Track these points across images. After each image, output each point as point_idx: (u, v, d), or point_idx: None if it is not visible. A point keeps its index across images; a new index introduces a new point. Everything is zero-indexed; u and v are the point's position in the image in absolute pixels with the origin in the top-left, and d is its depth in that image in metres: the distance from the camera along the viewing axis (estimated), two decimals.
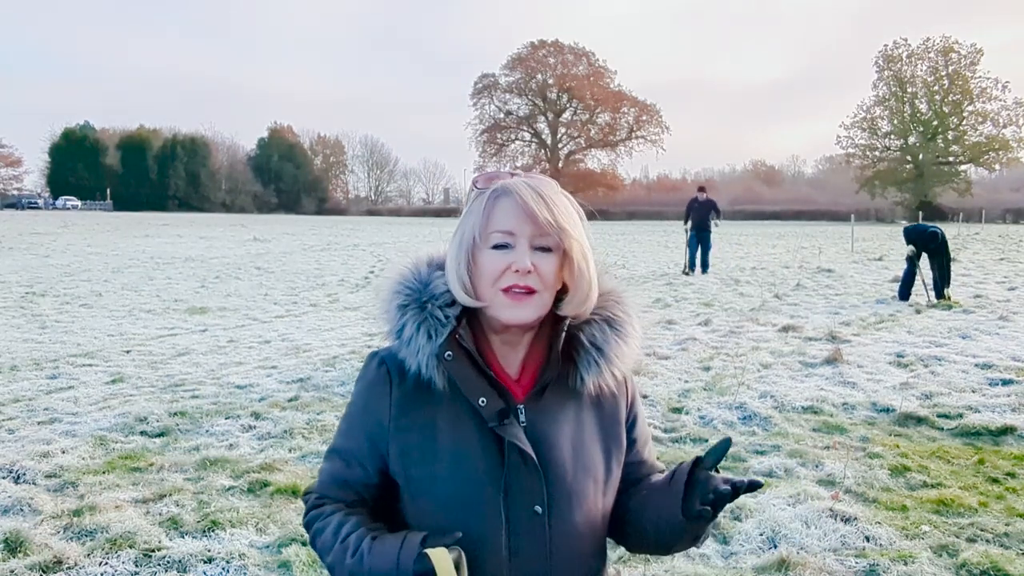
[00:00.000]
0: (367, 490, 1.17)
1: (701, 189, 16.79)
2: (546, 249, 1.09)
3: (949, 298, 10.80)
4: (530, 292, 1.08)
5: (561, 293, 1.14)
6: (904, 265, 11.40)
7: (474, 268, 1.10)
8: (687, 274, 15.66)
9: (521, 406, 1.13)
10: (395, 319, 1.14)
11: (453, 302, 1.12)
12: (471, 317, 1.14)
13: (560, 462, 1.13)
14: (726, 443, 1.10)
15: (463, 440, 1.10)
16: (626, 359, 1.18)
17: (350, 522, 1.13)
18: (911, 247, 11.11)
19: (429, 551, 1.02)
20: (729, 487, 1.05)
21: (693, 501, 1.09)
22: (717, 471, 1.10)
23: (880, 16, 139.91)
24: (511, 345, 1.16)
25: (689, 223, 16.21)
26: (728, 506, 1.11)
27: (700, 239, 16.02)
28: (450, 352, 1.10)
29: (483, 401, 1.10)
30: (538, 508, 1.11)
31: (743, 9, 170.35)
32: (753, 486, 1.06)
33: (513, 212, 1.09)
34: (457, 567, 1.02)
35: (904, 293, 11.24)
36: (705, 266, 16.04)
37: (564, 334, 1.15)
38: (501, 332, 1.14)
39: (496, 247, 1.09)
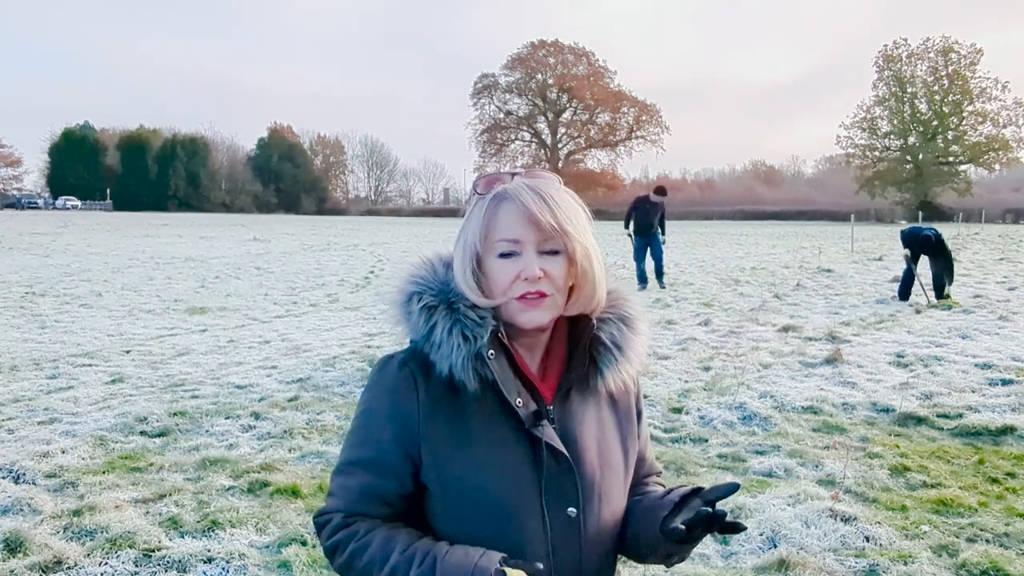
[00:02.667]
0: (402, 501, 1.12)
1: (660, 191, 13.14)
2: (554, 252, 1.09)
3: (949, 296, 10.79)
4: (542, 296, 1.08)
5: (570, 292, 1.14)
6: (903, 265, 11.41)
7: (484, 276, 1.10)
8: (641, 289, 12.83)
9: (551, 407, 1.13)
10: (421, 321, 1.10)
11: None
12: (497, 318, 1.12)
13: (589, 462, 1.13)
14: (733, 487, 1.09)
15: (498, 442, 1.09)
16: (640, 355, 1.19)
17: (402, 534, 1.08)
18: (907, 250, 11.09)
19: (508, 569, 0.99)
20: (709, 512, 1.05)
21: (673, 518, 1.09)
22: (712, 507, 1.09)
23: (881, 17, 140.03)
24: (529, 347, 1.15)
25: (632, 227, 13.17)
26: (728, 506, 1.11)
27: (649, 244, 13.05)
28: (492, 351, 1.08)
29: (519, 402, 1.09)
30: (572, 510, 1.10)
31: (743, 10, 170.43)
32: (736, 528, 1.05)
33: (516, 219, 1.08)
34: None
35: (904, 293, 11.24)
36: (660, 275, 13.26)
37: (589, 334, 1.15)
38: (519, 336, 1.13)
39: (503, 255, 1.08)
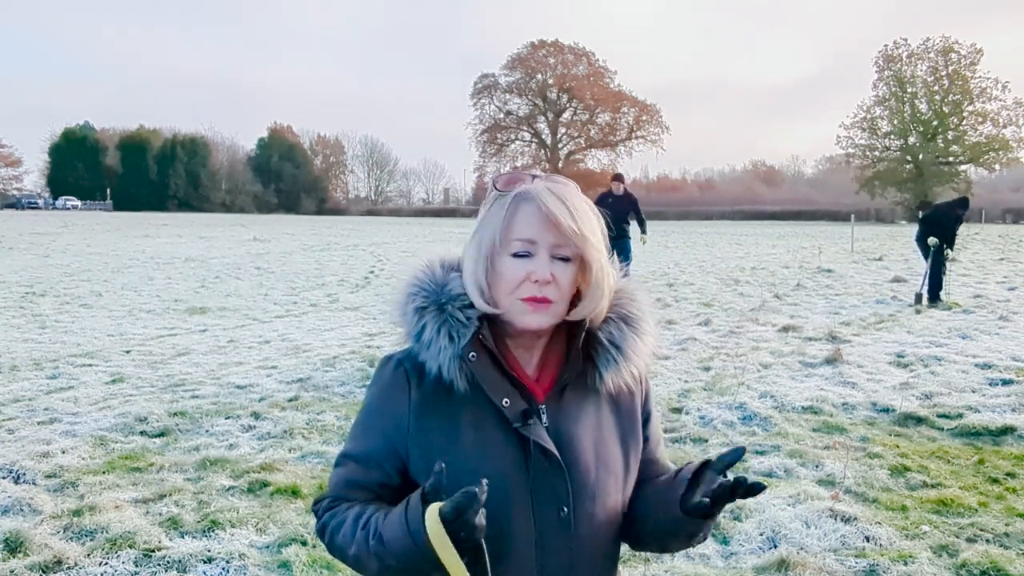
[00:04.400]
0: (384, 490, 1.15)
1: (617, 178, 11.22)
2: (565, 259, 1.09)
3: (941, 300, 10.68)
4: (547, 302, 1.08)
5: (574, 297, 1.13)
6: (923, 265, 10.91)
7: (493, 274, 1.10)
8: None
9: (543, 406, 1.13)
10: (413, 322, 1.12)
11: (471, 303, 1.11)
12: (489, 319, 1.13)
13: (583, 462, 1.13)
14: (739, 451, 1.07)
15: (487, 442, 1.10)
16: (643, 356, 1.18)
17: (369, 509, 1.10)
18: (934, 239, 10.57)
19: (429, 509, 0.98)
20: (731, 481, 1.04)
21: (693, 495, 1.08)
22: (725, 476, 1.08)
23: (882, 18, 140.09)
24: (526, 347, 1.15)
25: None
26: (729, 506, 1.10)
27: (617, 248, 11.72)
28: (474, 353, 1.09)
29: (506, 402, 1.09)
30: (563, 509, 1.10)
31: (743, 11, 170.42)
32: (756, 488, 1.03)
33: (536, 220, 1.08)
34: (470, 507, 0.96)
35: (934, 292, 10.64)
36: None
37: (582, 335, 1.15)
38: (516, 336, 1.14)
39: (516, 255, 1.08)
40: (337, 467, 1.19)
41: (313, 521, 1.19)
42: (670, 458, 3.79)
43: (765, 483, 1.07)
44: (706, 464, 1.10)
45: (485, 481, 0.98)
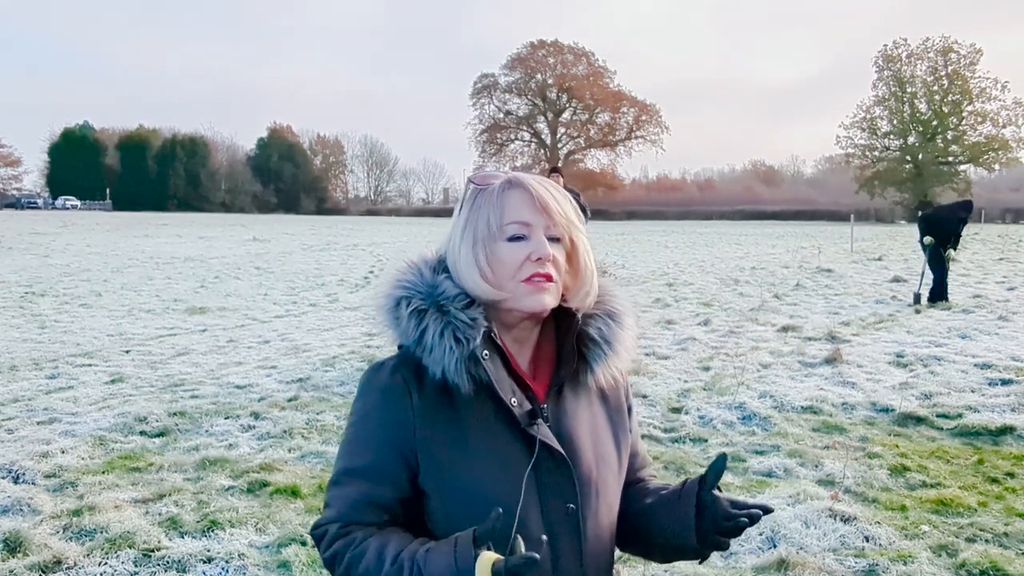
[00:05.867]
0: (401, 507, 1.11)
1: (555, 171, 8.98)
2: (555, 240, 1.11)
3: (946, 300, 10.65)
4: (549, 279, 1.09)
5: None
6: (921, 267, 10.87)
7: (492, 260, 1.10)
8: None
9: (544, 405, 1.13)
10: (411, 326, 1.10)
11: (471, 303, 1.10)
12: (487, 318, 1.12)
13: (585, 458, 1.14)
14: (722, 459, 1.12)
15: (495, 444, 1.09)
16: (629, 350, 1.20)
17: (394, 540, 1.07)
18: (929, 237, 10.52)
19: (482, 557, 0.96)
20: (747, 519, 1.07)
21: (707, 527, 1.11)
22: (720, 489, 1.13)
23: (883, 19, 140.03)
24: (520, 343, 1.16)
25: None
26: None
27: None
28: (487, 352, 1.09)
29: (514, 402, 1.10)
30: (571, 506, 1.11)
31: (743, 12, 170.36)
32: (766, 510, 1.09)
33: (528, 203, 1.10)
34: (512, 549, 0.96)
35: (937, 293, 10.56)
36: None
37: (576, 329, 1.16)
38: (513, 328, 1.14)
39: (512, 239, 1.09)
40: (339, 486, 1.13)
41: (314, 541, 1.15)
42: (670, 458, 3.80)
43: (773, 507, 1.11)
44: (702, 483, 1.13)
45: (545, 539, 1.03)
